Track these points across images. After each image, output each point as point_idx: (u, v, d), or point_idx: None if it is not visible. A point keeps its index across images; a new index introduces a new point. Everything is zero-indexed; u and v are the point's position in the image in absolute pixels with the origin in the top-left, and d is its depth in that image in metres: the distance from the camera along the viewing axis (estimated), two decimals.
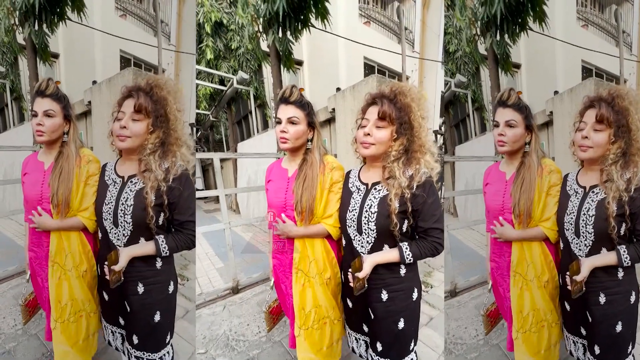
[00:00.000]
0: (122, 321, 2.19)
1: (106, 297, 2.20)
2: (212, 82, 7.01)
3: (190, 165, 2.10)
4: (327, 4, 4.58)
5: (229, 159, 7.40)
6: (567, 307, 2.20)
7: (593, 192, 2.02)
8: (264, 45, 5.32)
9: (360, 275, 1.97)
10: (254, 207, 6.74)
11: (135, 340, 2.13)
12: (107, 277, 2.06)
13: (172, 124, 2.04)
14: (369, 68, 5.93)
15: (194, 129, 7.77)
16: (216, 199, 7.48)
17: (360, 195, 2.02)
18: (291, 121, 2.10)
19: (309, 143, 2.15)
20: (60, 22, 3.98)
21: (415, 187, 1.91)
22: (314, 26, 4.69)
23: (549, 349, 2.28)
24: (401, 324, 2.03)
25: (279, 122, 2.12)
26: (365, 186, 2.03)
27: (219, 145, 8.04)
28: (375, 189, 1.99)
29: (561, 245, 2.16)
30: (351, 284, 2.02)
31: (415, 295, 2.06)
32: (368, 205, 1.98)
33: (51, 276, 2.23)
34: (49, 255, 2.23)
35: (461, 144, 5.39)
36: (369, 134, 1.94)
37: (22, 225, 3.88)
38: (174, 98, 2.06)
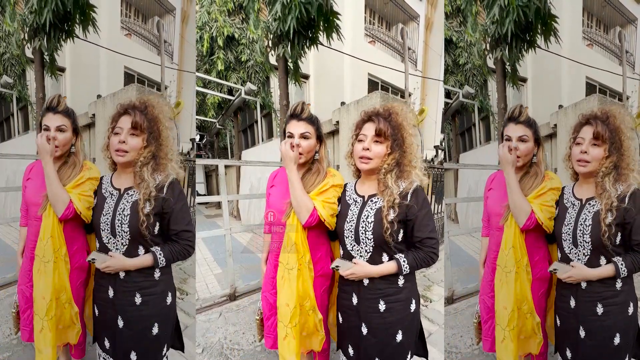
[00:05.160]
0: (107, 343, 2.16)
1: (97, 312, 2.19)
2: (221, 92, 7.15)
3: (180, 177, 2.19)
4: (337, 21, 4.68)
5: (233, 166, 7.44)
6: (558, 322, 2.20)
7: (590, 203, 2.08)
8: (272, 59, 5.42)
9: (345, 272, 2.02)
10: (255, 214, 6.76)
11: (133, 357, 2.11)
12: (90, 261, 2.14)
13: (162, 140, 2.15)
14: (373, 84, 5.98)
15: (199, 135, 7.82)
16: (218, 205, 7.49)
17: (357, 207, 2.07)
18: (304, 136, 2.21)
19: (316, 154, 2.26)
20: (69, 39, 4.08)
21: (409, 198, 1.98)
22: (322, 44, 4.79)
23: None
24: (399, 337, 2.02)
25: (290, 137, 2.22)
26: (362, 198, 2.08)
27: (223, 152, 8.12)
28: (371, 200, 2.04)
29: (559, 255, 2.18)
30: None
31: (413, 306, 2.06)
32: (365, 215, 2.02)
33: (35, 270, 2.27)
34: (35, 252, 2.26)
35: (465, 152, 5.42)
36: (367, 149, 2.02)
37: None
38: (164, 117, 2.17)
